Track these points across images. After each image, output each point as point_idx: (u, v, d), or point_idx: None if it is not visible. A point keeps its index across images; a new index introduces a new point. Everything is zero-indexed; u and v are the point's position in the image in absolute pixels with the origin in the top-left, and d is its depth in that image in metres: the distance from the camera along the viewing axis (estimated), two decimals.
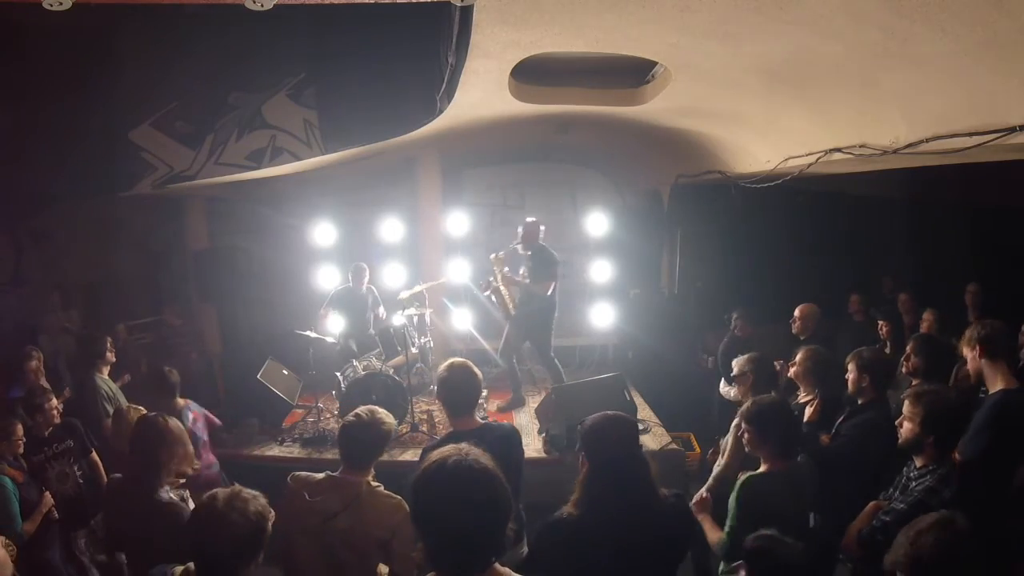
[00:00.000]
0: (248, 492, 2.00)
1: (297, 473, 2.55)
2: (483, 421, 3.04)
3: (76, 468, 3.72)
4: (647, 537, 2.09)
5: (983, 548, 1.67)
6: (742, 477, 2.76)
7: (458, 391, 2.84)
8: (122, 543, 2.68)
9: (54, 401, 3.80)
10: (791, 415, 2.87)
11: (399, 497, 2.47)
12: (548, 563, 2.15)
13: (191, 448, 2.86)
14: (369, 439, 2.51)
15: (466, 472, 1.52)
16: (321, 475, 2.52)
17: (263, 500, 2.01)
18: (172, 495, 2.67)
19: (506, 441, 2.81)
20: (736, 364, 3.66)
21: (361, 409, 2.59)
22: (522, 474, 2.88)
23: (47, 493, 3.47)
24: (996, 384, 2.95)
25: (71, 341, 6.38)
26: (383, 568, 2.50)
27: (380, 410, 2.59)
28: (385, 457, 4.77)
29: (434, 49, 4.67)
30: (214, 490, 2.01)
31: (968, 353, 3.06)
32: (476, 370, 2.91)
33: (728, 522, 2.69)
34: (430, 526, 1.54)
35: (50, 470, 3.64)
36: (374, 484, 2.52)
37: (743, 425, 2.85)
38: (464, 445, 1.62)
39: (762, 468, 2.74)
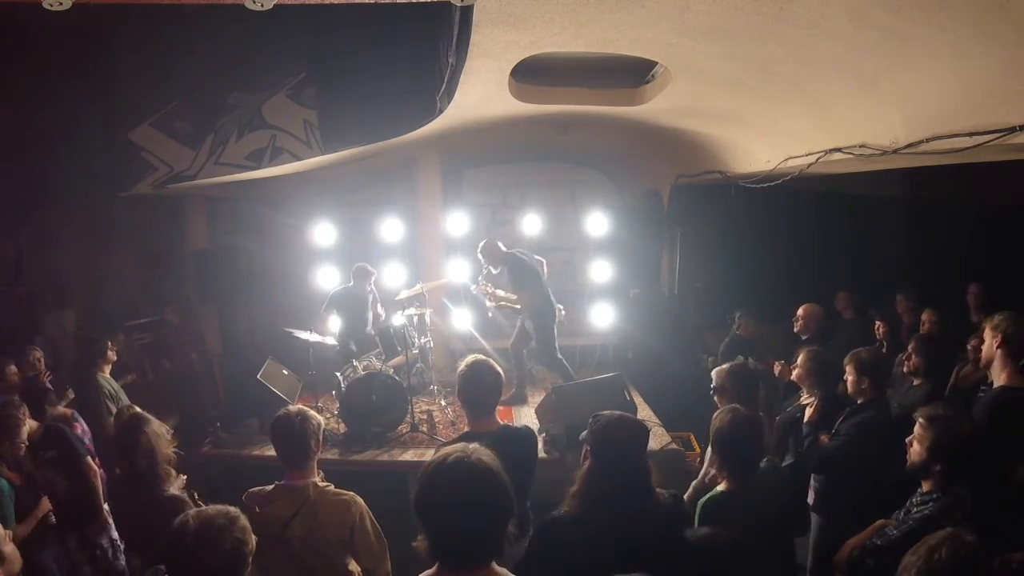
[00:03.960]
0: (223, 518, 1.72)
1: (251, 490, 2.55)
2: (502, 423, 2.95)
3: (63, 476, 3.61)
4: (644, 536, 2.09)
5: (993, 561, 1.66)
6: (703, 498, 2.69)
7: (478, 390, 2.74)
8: (135, 544, 2.69)
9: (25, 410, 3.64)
10: (747, 435, 2.66)
11: (350, 494, 2.51)
12: (546, 561, 2.16)
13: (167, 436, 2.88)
14: (297, 435, 2.49)
15: (468, 471, 1.56)
16: (271, 486, 2.52)
17: (242, 523, 1.76)
18: (174, 490, 2.71)
19: (523, 443, 2.83)
20: (715, 375, 3.49)
21: (289, 407, 2.62)
22: (533, 475, 2.89)
23: (44, 498, 3.43)
24: (1000, 379, 2.95)
25: (71, 341, 6.39)
26: (355, 566, 2.51)
27: (307, 408, 2.60)
28: (385, 457, 4.92)
29: (434, 49, 4.66)
30: (186, 515, 1.74)
31: (989, 338, 3.02)
32: (498, 368, 2.80)
33: None
34: (430, 520, 1.59)
35: (39, 474, 3.55)
36: (322, 485, 2.52)
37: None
38: (471, 444, 1.66)
39: (719, 487, 2.69)
